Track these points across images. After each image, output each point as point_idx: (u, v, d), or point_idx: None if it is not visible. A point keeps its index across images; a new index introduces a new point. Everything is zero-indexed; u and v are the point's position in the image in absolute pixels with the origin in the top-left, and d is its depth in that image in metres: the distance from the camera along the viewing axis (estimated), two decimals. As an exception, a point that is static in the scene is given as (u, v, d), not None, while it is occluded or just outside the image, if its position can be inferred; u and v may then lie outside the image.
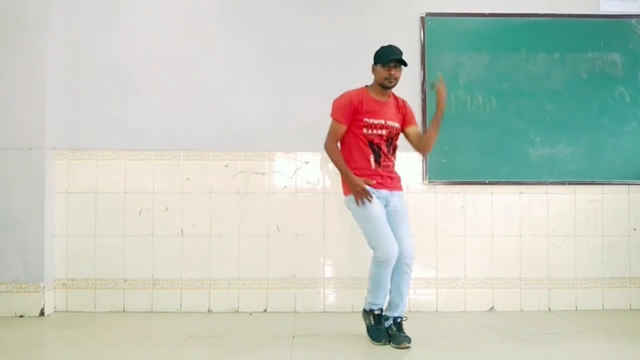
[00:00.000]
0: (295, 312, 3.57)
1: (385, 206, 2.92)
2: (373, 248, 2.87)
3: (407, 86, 3.66)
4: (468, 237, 3.68)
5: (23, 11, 3.51)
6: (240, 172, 3.64)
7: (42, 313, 3.45)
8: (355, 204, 2.88)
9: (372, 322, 2.96)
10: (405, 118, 3.04)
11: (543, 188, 3.70)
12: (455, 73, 3.70)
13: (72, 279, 3.59)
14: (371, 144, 2.91)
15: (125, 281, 3.60)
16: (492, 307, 3.66)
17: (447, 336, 3.12)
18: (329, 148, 2.95)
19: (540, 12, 3.74)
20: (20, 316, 3.43)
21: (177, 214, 3.62)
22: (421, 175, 3.68)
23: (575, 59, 3.73)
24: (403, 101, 3.06)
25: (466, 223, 3.68)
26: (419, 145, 3.09)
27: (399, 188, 3.01)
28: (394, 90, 3.02)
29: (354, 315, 3.52)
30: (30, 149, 3.49)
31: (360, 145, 2.91)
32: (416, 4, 3.72)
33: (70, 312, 3.56)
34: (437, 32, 3.71)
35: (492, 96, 3.70)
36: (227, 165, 3.66)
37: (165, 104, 3.66)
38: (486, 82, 3.70)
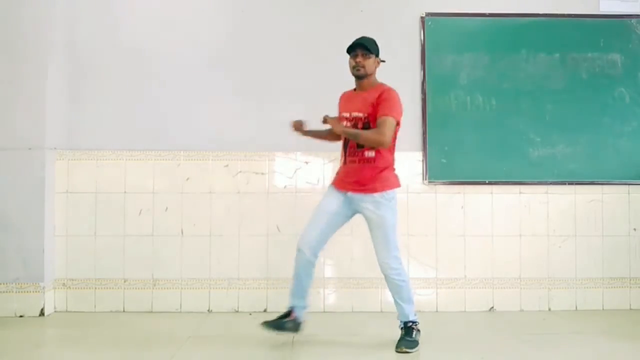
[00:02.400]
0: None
1: (357, 212, 2.90)
2: None
3: (407, 86, 3.67)
4: (468, 237, 3.68)
5: (23, 11, 3.51)
6: (240, 172, 3.64)
7: (42, 313, 3.44)
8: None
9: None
10: (376, 106, 2.81)
11: (543, 188, 3.70)
12: (455, 73, 3.70)
13: (72, 279, 3.59)
14: (345, 139, 2.89)
15: (125, 281, 3.60)
16: (492, 307, 3.66)
17: (447, 336, 3.12)
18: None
19: (540, 12, 3.74)
20: (20, 316, 3.43)
21: (177, 214, 3.62)
22: (421, 175, 3.68)
23: (575, 59, 3.72)
24: (386, 93, 2.83)
25: (466, 223, 3.68)
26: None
27: (371, 190, 2.82)
28: (393, 85, 2.90)
29: (354, 315, 3.53)
30: (30, 149, 3.49)
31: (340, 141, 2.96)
32: (416, 4, 3.72)
33: (70, 312, 3.56)
34: (437, 32, 3.71)
35: (492, 96, 3.70)
36: (227, 165, 3.66)
37: (165, 103, 3.66)
38: (486, 82, 3.70)
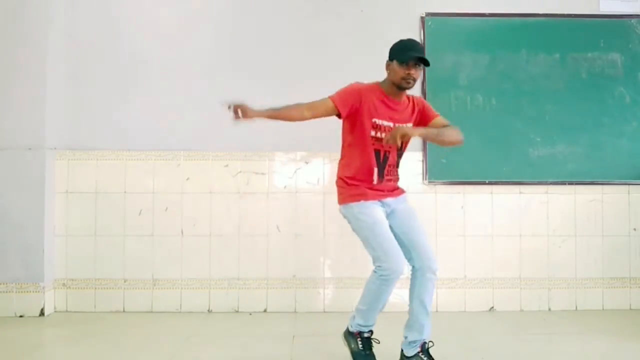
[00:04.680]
0: (295, 312, 3.57)
1: (391, 212, 2.56)
2: (377, 259, 2.45)
3: (407, 86, 3.67)
4: (468, 237, 3.68)
5: (24, 11, 3.51)
6: (240, 172, 3.64)
7: (42, 313, 3.44)
8: (352, 212, 2.51)
9: (361, 346, 2.54)
10: (423, 115, 2.63)
11: (543, 188, 3.70)
12: (455, 73, 3.70)
13: (72, 279, 3.59)
14: (377, 153, 2.52)
15: (125, 281, 3.60)
16: (492, 307, 3.66)
17: (447, 336, 3.11)
18: (294, 106, 2.44)
19: (540, 12, 3.74)
20: (20, 316, 3.43)
21: (177, 214, 3.62)
22: (421, 175, 3.68)
23: (575, 59, 3.72)
24: (420, 99, 2.68)
25: (466, 223, 3.68)
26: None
27: (403, 192, 2.65)
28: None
29: (354, 315, 3.53)
30: (30, 149, 3.49)
31: (366, 154, 2.51)
32: (416, 4, 3.72)
33: (70, 312, 3.56)
34: (437, 32, 3.71)
35: (492, 96, 3.70)
36: (227, 165, 3.66)
37: (166, 103, 3.66)
38: (486, 82, 3.70)
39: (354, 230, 2.57)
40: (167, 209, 3.63)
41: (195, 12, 3.71)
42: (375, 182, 2.52)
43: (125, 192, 3.63)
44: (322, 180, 3.66)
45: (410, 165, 3.66)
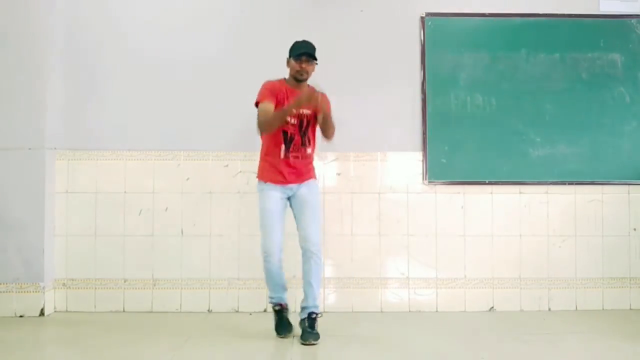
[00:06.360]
0: (295, 312, 3.56)
1: (291, 197, 3.04)
2: (261, 238, 3.00)
3: (407, 86, 3.68)
4: (468, 237, 3.68)
5: (24, 11, 3.51)
6: (240, 172, 3.64)
7: (42, 313, 3.45)
8: (258, 188, 3.03)
9: (275, 317, 3.08)
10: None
11: (543, 188, 3.70)
12: (455, 73, 3.70)
13: (72, 279, 3.59)
14: (285, 133, 2.98)
15: (125, 281, 3.60)
16: (492, 307, 3.66)
17: (447, 336, 3.12)
18: (261, 122, 2.93)
19: (540, 12, 3.74)
20: (20, 316, 3.43)
21: (177, 214, 3.62)
22: (421, 175, 3.68)
23: (575, 59, 3.72)
24: (323, 95, 2.97)
25: (466, 223, 3.68)
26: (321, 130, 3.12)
27: (310, 177, 3.08)
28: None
29: (354, 315, 3.53)
30: (30, 149, 3.49)
31: (276, 133, 2.97)
32: (416, 4, 3.72)
33: (70, 312, 3.57)
34: (437, 32, 3.71)
35: (492, 96, 3.70)
36: (227, 165, 3.66)
37: (166, 104, 3.65)
38: (486, 82, 3.70)
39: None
40: (167, 209, 3.63)
41: (196, 12, 3.71)
42: (282, 156, 2.99)
43: (125, 192, 3.63)
44: (322, 180, 3.65)
45: (410, 165, 3.67)
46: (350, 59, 3.68)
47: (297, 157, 3.01)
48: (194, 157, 3.65)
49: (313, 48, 3.00)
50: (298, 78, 3.01)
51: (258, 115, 2.95)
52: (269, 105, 2.93)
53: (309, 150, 3.07)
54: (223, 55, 3.70)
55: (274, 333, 3.05)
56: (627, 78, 3.73)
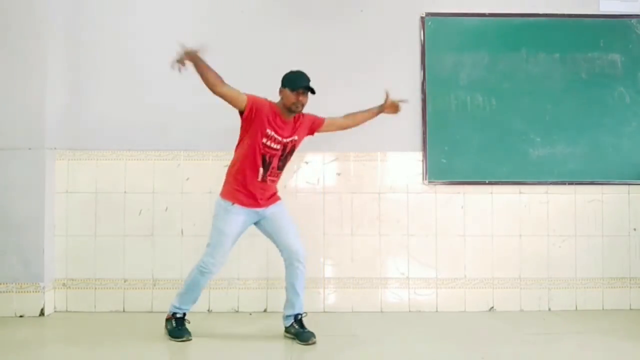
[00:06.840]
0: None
1: (259, 220, 3.00)
2: (207, 253, 2.94)
3: (407, 86, 3.67)
4: (468, 237, 3.68)
5: (23, 11, 3.51)
6: (240, 172, 3.64)
7: (42, 313, 3.44)
8: (221, 207, 2.94)
9: (174, 324, 2.99)
10: (310, 125, 3.07)
11: (543, 188, 3.70)
12: (455, 73, 3.69)
13: (72, 279, 3.59)
14: (264, 157, 2.91)
15: (125, 281, 3.60)
16: (492, 307, 3.66)
17: (447, 336, 3.12)
18: (218, 76, 2.88)
19: (540, 12, 3.74)
20: (20, 316, 3.43)
21: (177, 214, 3.62)
22: (421, 175, 3.68)
23: (575, 59, 3.72)
24: (307, 116, 3.05)
25: (466, 223, 3.68)
26: (344, 123, 3.15)
27: (277, 199, 3.06)
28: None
29: (354, 315, 3.53)
30: (30, 149, 3.49)
31: (254, 156, 2.90)
32: (416, 4, 3.72)
33: (70, 312, 3.56)
34: (437, 32, 3.71)
35: (492, 96, 3.70)
36: (227, 165, 3.64)
37: (166, 103, 3.65)
38: (486, 82, 3.70)
39: (213, 217, 3.00)
40: (167, 209, 3.63)
41: (196, 12, 3.71)
42: (259, 179, 2.92)
43: (125, 192, 3.63)
44: (322, 180, 3.66)
45: (410, 165, 3.67)
46: (350, 58, 3.67)
47: (273, 181, 3.00)
48: (194, 157, 3.65)
49: (309, 80, 2.94)
50: (293, 110, 2.92)
51: (230, 86, 2.88)
52: (240, 99, 2.87)
53: (282, 174, 3.06)
54: (224, 55, 3.69)
55: (171, 340, 2.96)
56: (627, 78, 3.73)
